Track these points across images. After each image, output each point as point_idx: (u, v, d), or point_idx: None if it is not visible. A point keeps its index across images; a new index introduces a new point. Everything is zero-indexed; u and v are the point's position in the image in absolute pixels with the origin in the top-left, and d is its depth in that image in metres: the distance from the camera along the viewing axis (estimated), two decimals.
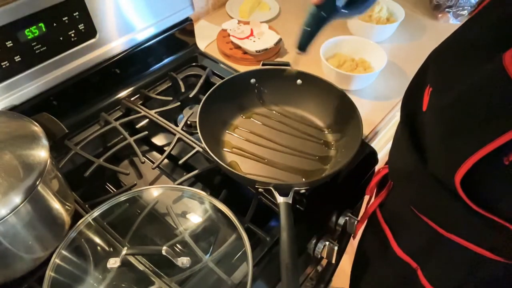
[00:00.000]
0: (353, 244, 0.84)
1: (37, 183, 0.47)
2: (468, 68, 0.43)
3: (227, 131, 0.75)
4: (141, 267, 0.52)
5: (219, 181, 0.70)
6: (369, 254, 0.74)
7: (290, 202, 0.57)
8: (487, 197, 0.43)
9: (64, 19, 0.67)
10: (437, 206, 0.51)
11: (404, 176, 0.57)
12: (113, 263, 0.51)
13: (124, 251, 0.50)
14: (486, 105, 0.40)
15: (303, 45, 0.63)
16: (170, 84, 0.85)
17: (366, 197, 0.80)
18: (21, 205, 0.45)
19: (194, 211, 0.60)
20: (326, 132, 0.75)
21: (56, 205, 0.52)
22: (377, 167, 0.77)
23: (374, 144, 0.77)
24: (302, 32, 0.62)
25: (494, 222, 0.43)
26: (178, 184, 0.64)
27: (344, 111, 0.72)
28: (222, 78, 0.84)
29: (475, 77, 0.41)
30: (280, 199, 0.57)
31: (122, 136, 0.72)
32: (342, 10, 0.59)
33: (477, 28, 0.45)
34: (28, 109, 0.68)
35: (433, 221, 0.53)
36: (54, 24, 0.67)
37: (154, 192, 0.61)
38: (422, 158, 0.50)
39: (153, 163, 0.69)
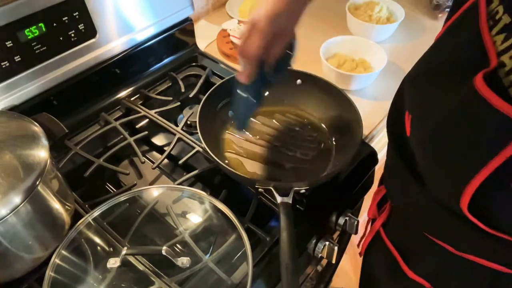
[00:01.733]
0: (353, 244, 0.84)
1: (37, 183, 0.47)
2: (443, 94, 0.41)
3: (227, 131, 0.75)
4: (141, 267, 0.52)
5: (219, 181, 0.70)
6: (377, 274, 0.70)
7: (290, 202, 0.57)
8: (498, 218, 0.41)
9: (64, 19, 0.67)
10: (445, 228, 0.49)
11: (405, 200, 0.55)
12: (113, 263, 0.51)
13: (124, 251, 0.50)
14: (468, 131, 0.38)
15: (242, 126, 0.63)
16: (170, 84, 0.85)
17: (366, 198, 0.79)
18: (21, 205, 0.45)
19: (194, 211, 0.60)
20: (326, 132, 0.75)
21: (56, 205, 0.52)
22: (377, 167, 0.77)
23: (374, 144, 0.77)
24: (235, 116, 0.61)
25: (508, 242, 0.41)
26: (178, 184, 0.64)
27: (344, 111, 0.72)
28: (222, 78, 0.84)
29: (451, 103, 0.39)
30: (280, 199, 0.57)
31: (122, 136, 0.72)
32: (271, 81, 0.57)
33: (447, 50, 0.43)
34: (28, 109, 0.68)
35: (443, 241, 0.50)
36: (54, 24, 0.67)
37: (154, 192, 0.61)
38: (420, 182, 0.48)
39: (153, 163, 0.69)
